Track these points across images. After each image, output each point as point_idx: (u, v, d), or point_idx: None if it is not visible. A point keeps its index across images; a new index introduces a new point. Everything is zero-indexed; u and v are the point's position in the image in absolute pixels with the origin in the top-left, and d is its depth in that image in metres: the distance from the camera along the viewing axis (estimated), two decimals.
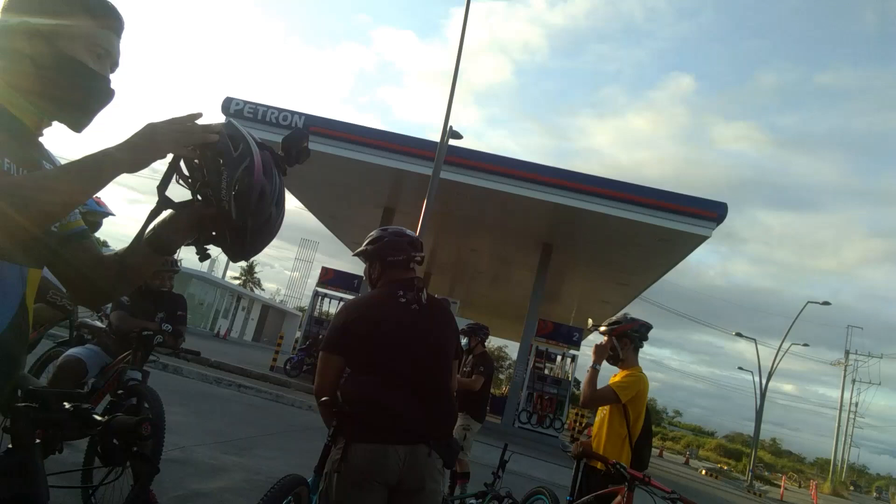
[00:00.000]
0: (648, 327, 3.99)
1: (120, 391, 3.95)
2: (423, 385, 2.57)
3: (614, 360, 3.91)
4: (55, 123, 1.46)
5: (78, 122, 1.43)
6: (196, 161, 1.37)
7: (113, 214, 5.77)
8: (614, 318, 3.99)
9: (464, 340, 6.67)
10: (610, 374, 3.98)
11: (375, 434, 2.43)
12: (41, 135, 1.44)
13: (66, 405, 1.34)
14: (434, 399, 2.59)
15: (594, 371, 3.80)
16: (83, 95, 1.41)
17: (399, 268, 2.76)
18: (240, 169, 1.34)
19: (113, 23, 1.43)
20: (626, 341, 3.89)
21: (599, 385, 3.83)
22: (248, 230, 1.39)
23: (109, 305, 4.55)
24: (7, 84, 1.33)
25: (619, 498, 3.32)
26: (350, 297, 19.93)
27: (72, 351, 4.21)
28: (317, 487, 2.74)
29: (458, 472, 6.31)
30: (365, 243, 2.85)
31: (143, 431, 1.37)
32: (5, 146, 1.29)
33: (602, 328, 3.97)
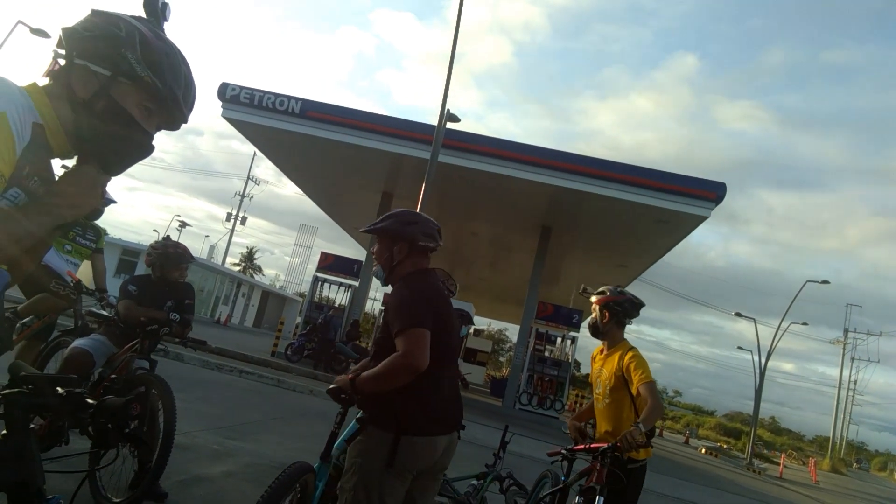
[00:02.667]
0: (637, 304, 3.78)
1: (114, 376, 3.96)
2: (454, 373, 2.64)
3: (592, 329, 3.80)
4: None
5: (110, 167, 1.49)
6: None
7: (115, 202, 5.78)
8: (602, 288, 3.84)
9: None
10: (587, 347, 3.87)
11: (430, 426, 2.41)
12: (62, 160, 1.53)
13: (60, 390, 1.35)
14: (457, 385, 2.67)
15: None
16: (122, 145, 1.48)
17: (424, 254, 2.67)
18: (137, 44, 1.42)
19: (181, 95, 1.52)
20: (605, 313, 3.72)
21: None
22: (178, 98, 1.50)
23: (117, 294, 4.57)
24: (54, 111, 1.40)
25: (593, 475, 3.34)
26: (351, 282, 19.98)
27: (78, 342, 4.22)
28: (324, 475, 2.74)
29: None
30: (391, 220, 2.66)
31: (131, 411, 1.38)
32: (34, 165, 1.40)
33: (594, 297, 3.84)
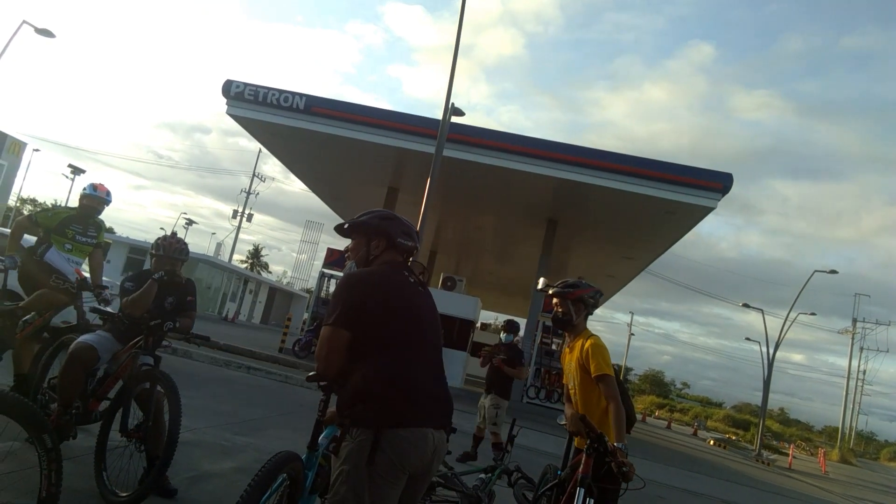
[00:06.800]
0: (601, 294, 3.84)
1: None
2: (437, 367, 2.46)
3: (565, 325, 3.69)
4: None
5: None
6: None
7: (110, 201, 5.76)
8: (570, 282, 3.78)
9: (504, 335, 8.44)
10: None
11: (413, 418, 2.25)
12: None
13: None
14: (444, 381, 2.49)
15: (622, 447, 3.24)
16: None
17: (401, 252, 2.59)
18: None
19: None
20: (580, 306, 3.68)
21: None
22: None
23: (118, 290, 4.57)
24: None
25: (581, 467, 3.27)
26: None
27: (83, 338, 4.23)
28: (313, 464, 2.70)
29: (494, 442, 7.61)
30: (369, 216, 2.62)
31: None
32: None
33: (553, 290, 3.74)
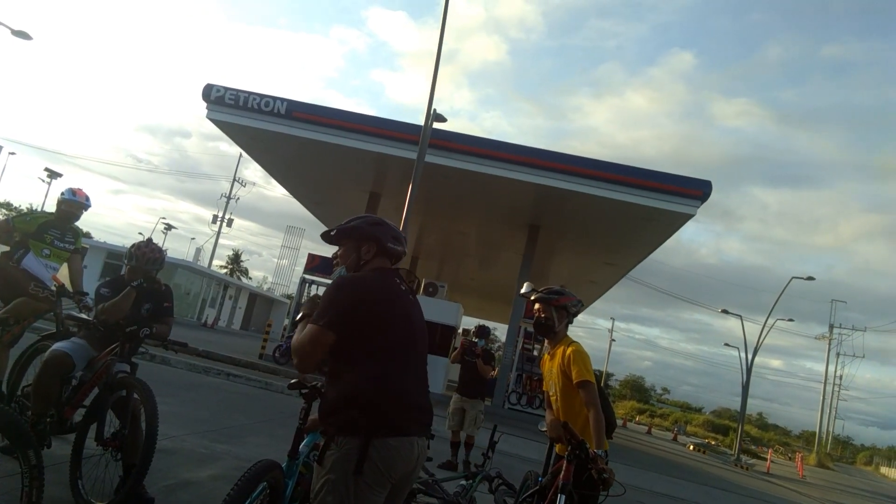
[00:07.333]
0: (583, 304, 3.95)
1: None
2: (423, 375, 2.47)
3: (547, 331, 3.74)
4: None
5: None
6: None
7: (89, 206, 5.67)
8: (555, 289, 3.83)
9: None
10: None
11: (403, 426, 2.25)
12: None
13: None
14: (427, 389, 2.49)
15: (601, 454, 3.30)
16: None
17: (390, 258, 2.59)
18: None
19: None
20: (563, 313, 3.75)
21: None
22: None
23: (94, 297, 4.50)
24: None
25: (562, 474, 3.28)
26: None
27: (58, 345, 4.16)
28: (293, 472, 2.68)
29: (468, 443, 7.95)
30: (359, 221, 2.61)
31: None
32: None
33: (537, 295, 3.79)
